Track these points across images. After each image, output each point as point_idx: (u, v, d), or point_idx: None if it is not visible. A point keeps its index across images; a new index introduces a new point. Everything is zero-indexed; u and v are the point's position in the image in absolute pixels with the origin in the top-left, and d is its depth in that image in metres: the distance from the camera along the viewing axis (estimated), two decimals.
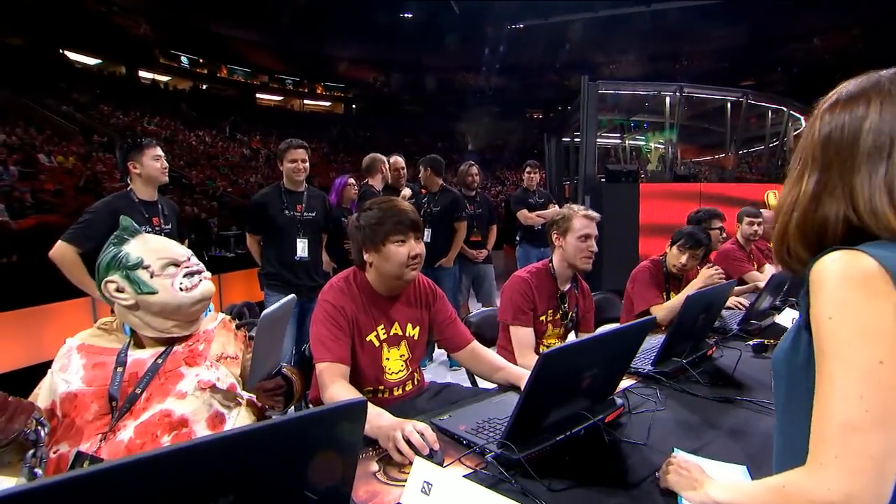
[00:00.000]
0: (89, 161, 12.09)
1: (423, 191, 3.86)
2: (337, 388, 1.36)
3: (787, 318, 2.15)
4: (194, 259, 1.21)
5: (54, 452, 1.03)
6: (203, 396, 1.09)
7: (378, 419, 1.14)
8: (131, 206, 2.39)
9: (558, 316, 1.98)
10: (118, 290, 1.11)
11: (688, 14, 22.54)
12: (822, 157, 0.70)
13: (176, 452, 0.56)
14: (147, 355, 1.12)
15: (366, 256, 1.52)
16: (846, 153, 0.67)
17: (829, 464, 0.58)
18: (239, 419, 1.16)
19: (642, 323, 1.14)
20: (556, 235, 1.95)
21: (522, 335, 1.85)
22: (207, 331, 1.23)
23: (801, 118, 9.27)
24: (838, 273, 0.62)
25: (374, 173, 3.69)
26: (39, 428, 0.92)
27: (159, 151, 2.46)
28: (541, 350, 1.98)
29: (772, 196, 7.55)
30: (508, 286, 1.93)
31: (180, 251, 1.18)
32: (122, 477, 0.52)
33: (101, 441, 1.02)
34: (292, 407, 1.44)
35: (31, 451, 0.90)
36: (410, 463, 1.01)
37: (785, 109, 8.61)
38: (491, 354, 1.63)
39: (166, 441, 1.03)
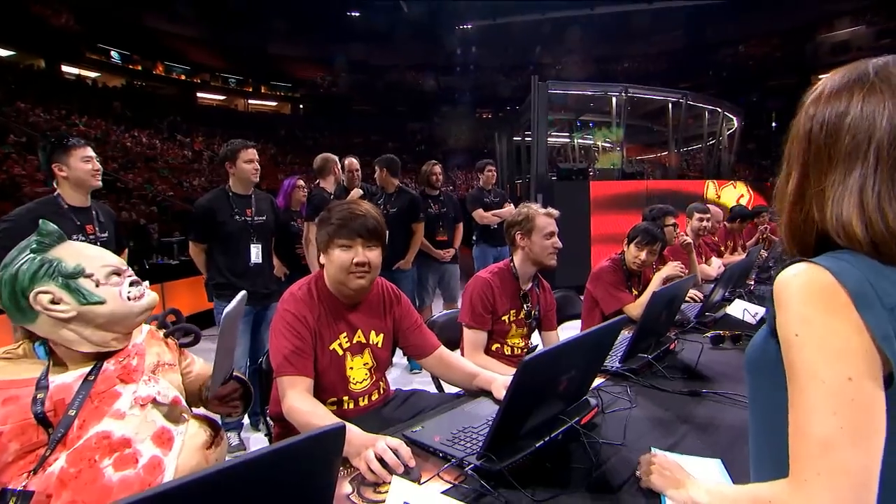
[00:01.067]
0: (5, 163, 11.05)
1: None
2: (301, 402, 1.28)
3: (738, 308, 2.25)
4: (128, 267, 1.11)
5: None
6: (144, 413, 0.98)
7: (349, 435, 1.07)
8: (59, 213, 2.16)
9: (521, 315, 1.97)
10: (53, 301, 0.97)
11: (627, 18, 23.58)
12: (803, 154, 0.66)
13: (150, 499, 0.50)
14: (72, 378, 0.99)
15: (321, 258, 1.47)
16: (825, 152, 0.64)
17: (812, 481, 0.58)
18: (189, 435, 1.06)
19: (616, 323, 1.13)
20: (519, 236, 1.95)
21: (475, 337, 1.86)
22: (137, 344, 1.11)
23: (734, 118, 9.89)
24: (799, 288, 0.61)
25: (327, 175, 3.56)
26: None
27: (90, 152, 2.23)
28: (505, 350, 1.97)
29: (711, 188, 8.00)
30: (470, 287, 1.91)
31: (116, 259, 1.08)
32: None
33: (31, 474, 0.89)
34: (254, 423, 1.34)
35: None
36: (385, 482, 0.95)
37: (720, 110, 9.16)
38: (461, 361, 1.60)
39: (107, 464, 0.92)
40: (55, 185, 2.23)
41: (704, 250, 3.52)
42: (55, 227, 1.04)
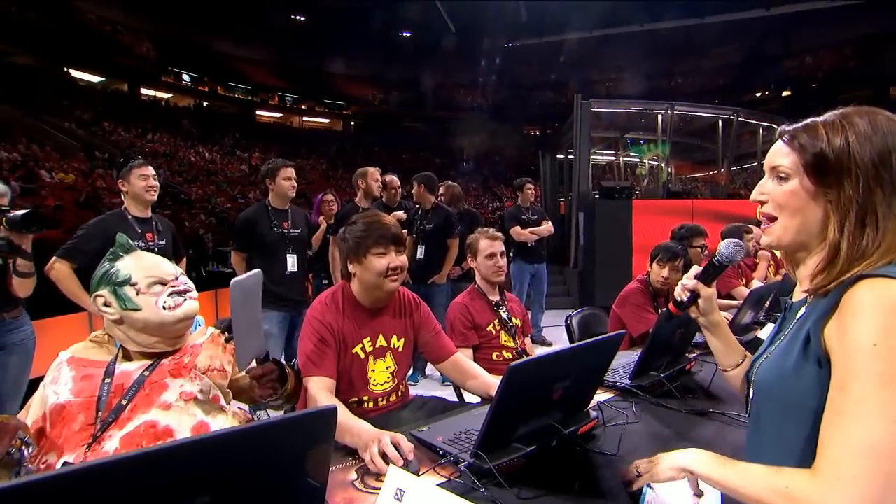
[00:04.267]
0: (90, 177, 12.21)
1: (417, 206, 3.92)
2: (321, 399, 1.40)
3: (769, 333, 2.19)
4: (183, 278, 1.25)
5: (43, 463, 1.07)
6: (186, 407, 1.13)
7: (359, 430, 1.19)
8: (124, 223, 2.50)
9: (501, 322, 2.15)
10: (105, 304, 1.16)
11: (682, 32, 22.97)
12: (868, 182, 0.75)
13: (152, 455, 0.60)
14: (134, 367, 1.16)
15: (350, 268, 1.60)
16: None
17: (846, 480, 0.61)
18: (224, 426, 1.20)
19: (612, 337, 1.19)
20: (469, 258, 2.24)
21: (464, 354, 2.00)
22: (195, 345, 1.27)
23: None
24: (882, 300, 0.65)
25: (358, 189, 3.71)
26: (24, 447, 0.96)
27: (147, 171, 2.54)
28: (504, 355, 2.10)
29: None
30: (449, 315, 2.13)
31: (169, 270, 1.23)
32: (98, 478, 0.55)
33: (86, 451, 1.05)
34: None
35: (14, 469, 0.94)
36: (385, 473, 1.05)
37: (776, 126, 8.73)
38: (469, 364, 1.70)
39: None
40: (123, 198, 2.58)
41: (745, 272, 3.42)
42: (127, 239, 1.24)
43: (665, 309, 1.18)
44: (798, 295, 0.87)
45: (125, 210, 2.56)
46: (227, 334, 1.32)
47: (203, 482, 0.65)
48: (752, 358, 0.91)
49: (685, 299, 1.09)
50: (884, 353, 0.63)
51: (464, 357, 1.71)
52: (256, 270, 1.11)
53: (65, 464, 1.04)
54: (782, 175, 0.80)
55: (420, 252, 3.69)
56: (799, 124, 0.80)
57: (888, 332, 0.63)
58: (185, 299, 1.21)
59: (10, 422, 0.98)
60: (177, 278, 1.23)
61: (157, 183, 2.58)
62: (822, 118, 0.78)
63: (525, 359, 0.98)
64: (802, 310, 0.81)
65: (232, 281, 0.99)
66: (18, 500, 0.50)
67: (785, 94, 23.02)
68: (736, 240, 1.08)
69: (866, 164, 0.71)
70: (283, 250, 2.89)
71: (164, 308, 1.16)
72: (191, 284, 1.26)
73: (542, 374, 1.06)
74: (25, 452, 0.96)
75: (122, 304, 1.15)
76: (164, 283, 1.20)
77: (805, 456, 0.70)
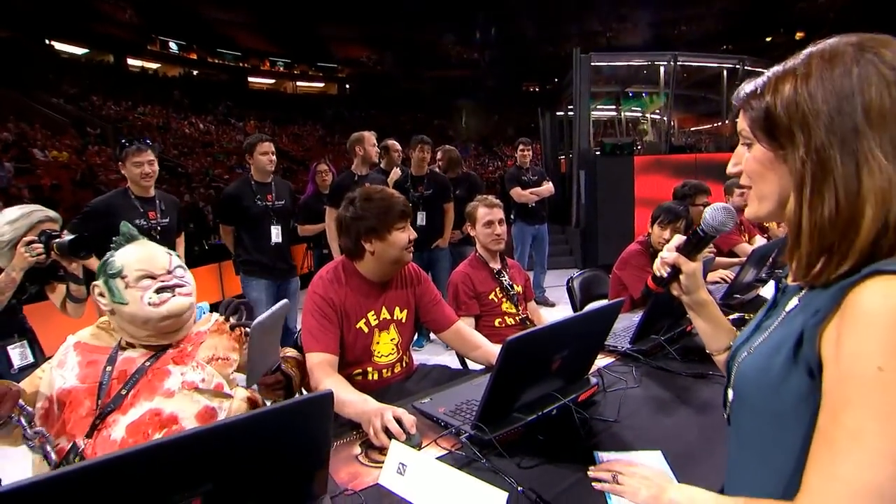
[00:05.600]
0: (84, 154, 12.07)
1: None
2: (322, 375, 1.42)
3: (771, 291, 2.18)
4: (179, 272, 1.22)
5: (56, 446, 1.09)
6: (190, 394, 1.14)
7: (363, 405, 1.21)
8: (127, 202, 2.54)
9: (503, 289, 2.16)
10: (101, 294, 1.16)
11: None
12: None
13: (157, 448, 0.62)
14: (137, 354, 1.17)
15: (368, 246, 1.58)
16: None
17: None
18: (231, 410, 1.22)
19: (610, 306, 1.18)
20: (468, 226, 2.22)
21: (467, 322, 2.02)
22: (200, 332, 1.27)
23: None
24: (892, 312, 0.51)
25: (354, 156, 3.63)
26: (21, 416, 1.01)
27: (142, 157, 2.53)
28: (507, 321, 2.11)
29: None
30: (452, 283, 2.12)
31: (161, 263, 1.19)
32: (105, 472, 0.57)
33: (89, 438, 1.06)
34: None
35: (27, 428, 1.00)
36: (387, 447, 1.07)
37: None
38: (472, 333, 1.71)
39: (157, 438, 1.09)
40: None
41: (748, 227, 3.38)
42: (129, 227, 1.22)
43: (645, 285, 1.05)
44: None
45: (129, 189, 2.58)
46: (230, 320, 1.33)
47: (205, 470, 0.66)
48: (735, 344, 0.77)
49: (665, 274, 0.96)
50: (890, 380, 0.50)
51: (465, 326, 1.73)
52: (281, 304, 1.19)
53: (73, 445, 1.07)
54: (747, 141, 0.67)
55: (421, 218, 3.66)
56: (760, 77, 0.65)
57: None
58: (174, 295, 1.17)
59: (12, 388, 1.02)
60: (169, 272, 1.20)
61: (152, 169, 2.56)
62: (784, 63, 0.63)
63: (522, 332, 0.97)
64: (795, 300, 0.66)
65: (254, 323, 1.06)
66: (28, 498, 0.52)
67: (798, 36, 22.12)
68: (724, 204, 0.93)
69: (817, 113, 0.57)
70: (266, 222, 2.98)
71: (150, 304, 1.14)
72: (186, 279, 1.23)
73: (540, 346, 1.06)
74: (23, 420, 1.01)
75: (111, 296, 1.15)
76: (153, 277, 1.17)
77: (795, 477, 0.60)
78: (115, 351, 1.17)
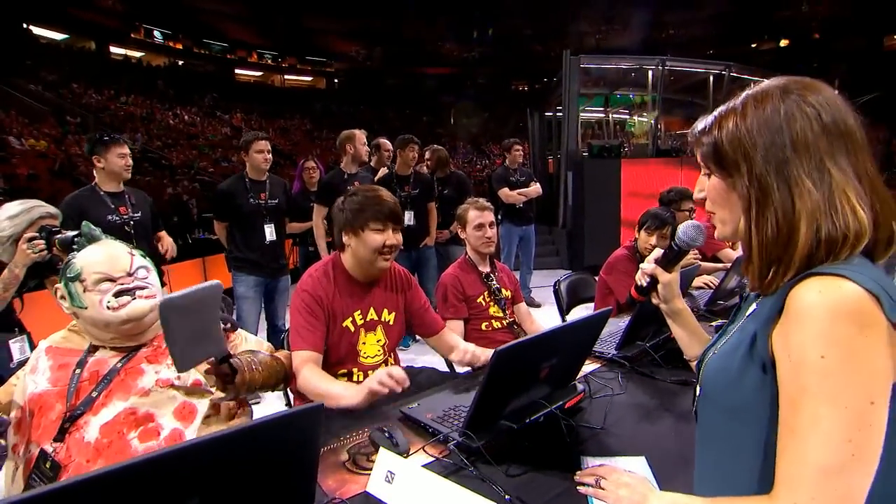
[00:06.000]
0: (63, 143, 11.76)
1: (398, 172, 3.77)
2: (308, 374, 1.42)
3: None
4: (140, 273, 1.18)
5: (26, 453, 1.07)
6: (165, 391, 1.12)
7: (353, 387, 1.30)
8: (96, 199, 2.50)
9: (492, 293, 2.16)
10: (62, 297, 1.14)
11: None
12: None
13: (143, 463, 0.60)
14: (109, 355, 1.15)
15: (345, 238, 1.58)
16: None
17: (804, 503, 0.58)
18: (211, 407, 1.19)
19: (598, 315, 1.19)
20: (459, 229, 2.21)
21: (453, 325, 2.02)
22: None
23: None
24: (829, 307, 0.58)
25: (344, 154, 3.56)
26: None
27: (126, 150, 2.54)
28: (494, 325, 2.11)
29: None
30: (440, 286, 2.11)
31: (122, 265, 1.16)
32: (91, 488, 0.55)
33: (54, 440, 1.04)
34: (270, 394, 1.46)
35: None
36: (376, 451, 1.06)
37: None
38: (455, 340, 1.73)
39: (133, 437, 1.07)
40: (94, 174, 2.55)
41: None
42: (91, 228, 1.19)
43: (628, 294, 1.15)
44: None
45: (96, 186, 2.53)
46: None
47: (192, 484, 0.65)
48: (705, 348, 0.83)
49: (644, 283, 1.06)
50: (831, 366, 0.57)
51: (451, 332, 1.75)
52: (204, 285, 1.01)
53: (42, 451, 1.04)
54: (707, 171, 0.76)
55: (409, 217, 3.64)
56: (708, 116, 0.75)
57: (836, 342, 0.57)
58: (134, 298, 1.13)
59: None
60: (130, 275, 1.16)
61: (132, 162, 2.60)
62: (727, 103, 0.73)
63: (510, 343, 0.98)
64: (754, 305, 0.74)
65: (161, 301, 0.94)
66: None
67: (783, 43, 22.56)
68: (695, 222, 1.01)
69: (755, 145, 0.66)
70: (260, 220, 2.96)
71: (108, 308, 1.11)
72: (149, 280, 1.19)
73: (528, 355, 1.06)
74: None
75: (71, 300, 1.12)
76: (112, 280, 1.13)
77: (762, 469, 0.66)
78: (86, 353, 1.15)
